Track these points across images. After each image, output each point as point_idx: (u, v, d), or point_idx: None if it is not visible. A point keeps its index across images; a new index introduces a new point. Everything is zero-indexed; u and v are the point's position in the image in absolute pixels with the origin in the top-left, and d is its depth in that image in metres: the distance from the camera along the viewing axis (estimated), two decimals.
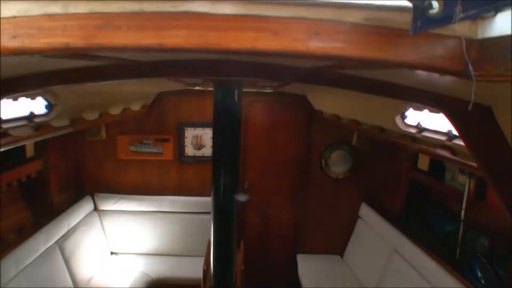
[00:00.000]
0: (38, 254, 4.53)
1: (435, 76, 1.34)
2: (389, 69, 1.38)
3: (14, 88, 2.07)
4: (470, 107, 1.23)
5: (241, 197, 6.19)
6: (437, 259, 4.29)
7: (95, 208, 6.12)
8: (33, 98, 3.24)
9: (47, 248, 4.73)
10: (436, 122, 3.30)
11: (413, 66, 1.14)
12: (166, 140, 6.18)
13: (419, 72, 1.55)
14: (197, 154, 6.25)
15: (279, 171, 6.29)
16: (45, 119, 3.60)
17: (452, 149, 3.07)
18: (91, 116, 4.53)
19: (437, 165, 4.88)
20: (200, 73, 2.13)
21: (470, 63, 1.11)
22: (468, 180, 4.05)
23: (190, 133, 6.18)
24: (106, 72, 2.05)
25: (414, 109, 3.22)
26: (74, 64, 1.95)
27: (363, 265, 5.76)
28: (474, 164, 2.58)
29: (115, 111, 5.15)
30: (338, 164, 6.26)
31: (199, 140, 6.19)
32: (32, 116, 3.48)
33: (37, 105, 3.57)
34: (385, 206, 5.93)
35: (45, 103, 3.56)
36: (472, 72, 1.11)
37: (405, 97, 2.17)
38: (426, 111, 3.03)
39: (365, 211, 6.18)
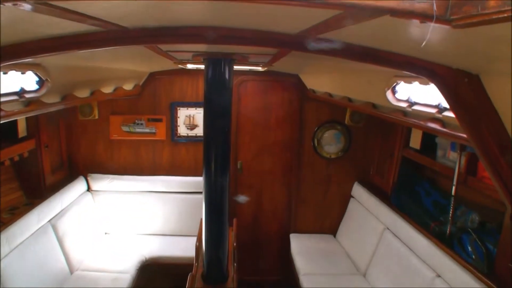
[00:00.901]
0: (31, 232, 4.55)
1: (425, 41, 1.34)
2: (372, 21, 1.37)
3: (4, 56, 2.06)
4: None
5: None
6: (428, 235, 4.35)
7: (88, 189, 6.14)
8: (23, 72, 3.21)
9: (40, 227, 4.75)
10: (426, 96, 3.31)
11: (394, 11, 1.14)
12: (159, 120, 6.17)
13: (407, 34, 1.56)
14: (190, 134, 6.25)
15: (271, 151, 6.31)
16: (36, 95, 3.57)
17: (442, 122, 3.08)
18: (83, 93, 4.51)
19: (429, 143, 4.92)
20: (189, 39, 2.11)
21: (450, 6, 1.11)
22: (459, 156, 4.08)
23: (182, 113, 6.18)
24: (95, 39, 2.04)
25: (405, 82, 3.22)
26: (62, 30, 1.94)
27: (355, 243, 5.82)
28: (464, 135, 2.59)
29: (107, 89, 5.13)
30: (330, 144, 6.28)
31: (192, 120, 6.18)
32: (22, 91, 3.45)
33: (28, 81, 3.54)
34: (378, 185, 5.98)
35: (36, 78, 3.53)
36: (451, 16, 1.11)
37: (395, 65, 2.17)
38: (416, 83, 3.04)
39: (358, 190, 6.22)
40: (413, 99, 3.48)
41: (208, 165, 3.56)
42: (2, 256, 3.93)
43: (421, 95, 3.41)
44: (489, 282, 3.34)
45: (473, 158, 4.00)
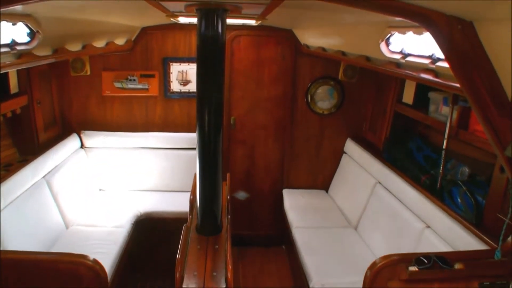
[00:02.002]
0: (26, 188, 4.58)
1: None
2: None
3: None
4: None
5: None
6: (419, 188, 4.41)
7: (82, 146, 6.14)
8: (14, 23, 3.16)
9: (35, 183, 4.78)
10: (420, 47, 3.31)
11: None
12: (152, 76, 6.12)
13: None
14: (182, 90, 6.21)
15: (265, 107, 6.31)
16: (28, 47, 3.53)
17: (436, 72, 3.09)
18: (74, 47, 4.45)
19: (422, 99, 4.94)
20: None
21: None
22: (451, 109, 4.10)
23: (175, 69, 6.12)
24: None
25: (399, 32, 3.20)
26: None
27: (347, 198, 5.92)
28: (457, 85, 2.60)
29: (99, 44, 5.06)
30: (323, 100, 6.28)
31: (185, 75, 6.14)
32: (14, 43, 3.41)
33: (19, 33, 3.49)
34: (370, 140, 6.03)
35: (27, 30, 3.48)
36: None
37: (390, 10, 2.15)
38: (410, 33, 3.02)
39: (350, 146, 6.27)
40: (407, 51, 3.47)
41: (201, 121, 3.54)
42: None
43: (414, 46, 3.40)
44: (478, 232, 3.43)
45: (465, 111, 4.03)
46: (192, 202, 4.24)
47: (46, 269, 2.93)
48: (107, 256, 4.44)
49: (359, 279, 3.03)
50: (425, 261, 2.79)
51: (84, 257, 2.97)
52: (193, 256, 3.39)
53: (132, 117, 6.30)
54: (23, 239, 4.14)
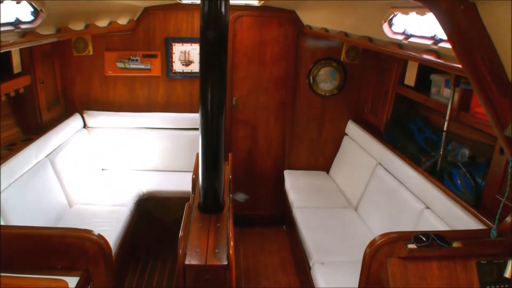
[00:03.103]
0: (29, 167, 4.62)
1: None
2: None
3: None
4: None
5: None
6: (419, 169, 4.45)
7: (84, 125, 6.17)
8: (18, 2, 3.18)
9: (39, 162, 4.82)
10: (422, 28, 3.32)
11: None
12: (154, 56, 6.12)
13: None
14: (185, 70, 6.21)
15: (267, 88, 6.32)
16: (31, 26, 3.54)
17: (438, 53, 3.10)
18: (77, 26, 4.46)
19: (424, 81, 4.95)
20: None
21: None
22: (452, 91, 4.12)
23: (177, 49, 6.12)
24: None
25: (402, 13, 3.21)
26: None
27: (348, 179, 5.97)
28: (458, 66, 2.62)
29: (102, 23, 5.07)
30: (326, 81, 6.29)
31: (187, 55, 6.14)
32: (18, 22, 3.42)
33: (23, 12, 3.50)
34: (371, 122, 6.06)
35: (31, 9, 3.50)
36: None
37: None
38: (413, 14, 3.04)
39: (352, 128, 6.30)
40: (409, 32, 3.48)
41: (204, 101, 3.57)
42: (2, 189, 4.02)
43: (417, 27, 3.41)
44: (476, 213, 3.48)
45: (467, 94, 4.05)
46: (194, 181, 4.28)
47: (52, 244, 2.99)
48: (110, 234, 4.48)
49: (359, 257, 3.08)
50: (424, 239, 2.83)
51: (89, 232, 3.02)
52: (196, 234, 3.44)
53: (135, 97, 6.31)
54: (27, 217, 4.19)
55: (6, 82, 4.65)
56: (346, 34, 4.77)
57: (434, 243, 2.84)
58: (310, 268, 4.45)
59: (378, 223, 4.82)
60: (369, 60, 6.09)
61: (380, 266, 2.92)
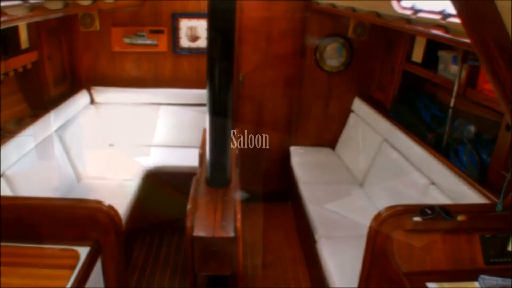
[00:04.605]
0: (38, 141, 4.66)
1: None
2: None
3: None
4: None
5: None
6: (425, 146, 4.46)
7: (92, 101, 6.20)
8: None
9: (47, 137, 4.87)
10: (430, 3, 3.30)
11: None
12: (161, 32, 6.10)
13: None
14: (192, 46, 6.20)
15: (273, 64, 6.30)
16: (39, 1, 3.55)
17: (446, 28, 3.10)
18: (85, 1, 4.46)
19: (431, 58, 4.93)
20: None
21: None
22: (459, 67, 4.11)
23: (184, 25, 6.10)
24: None
25: None
26: None
27: (354, 155, 5.98)
28: (467, 41, 2.62)
29: None
30: (332, 58, 6.27)
31: (194, 31, 6.12)
32: None
33: None
34: (378, 99, 6.05)
35: None
36: None
37: None
38: None
39: (358, 104, 6.30)
40: (418, 6, 3.47)
41: (212, 77, 3.57)
42: (12, 163, 4.08)
43: (425, 2, 3.39)
44: (482, 189, 3.50)
45: (474, 70, 4.04)
46: (201, 156, 4.32)
47: (63, 214, 3.05)
48: (118, 207, 4.40)
49: (364, 232, 3.12)
50: (429, 212, 2.87)
51: (99, 202, 3.08)
52: (203, 207, 3.49)
53: (142, 73, 6.32)
54: (36, 191, 4.23)
55: (14, 58, 4.68)
56: (353, 10, 4.74)
57: (439, 217, 2.87)
58: (315, 242, 4.51)
59: (383, 199, 4.83)
60: (376, 37, 6.05)
61: (386, 238, 2.96)
